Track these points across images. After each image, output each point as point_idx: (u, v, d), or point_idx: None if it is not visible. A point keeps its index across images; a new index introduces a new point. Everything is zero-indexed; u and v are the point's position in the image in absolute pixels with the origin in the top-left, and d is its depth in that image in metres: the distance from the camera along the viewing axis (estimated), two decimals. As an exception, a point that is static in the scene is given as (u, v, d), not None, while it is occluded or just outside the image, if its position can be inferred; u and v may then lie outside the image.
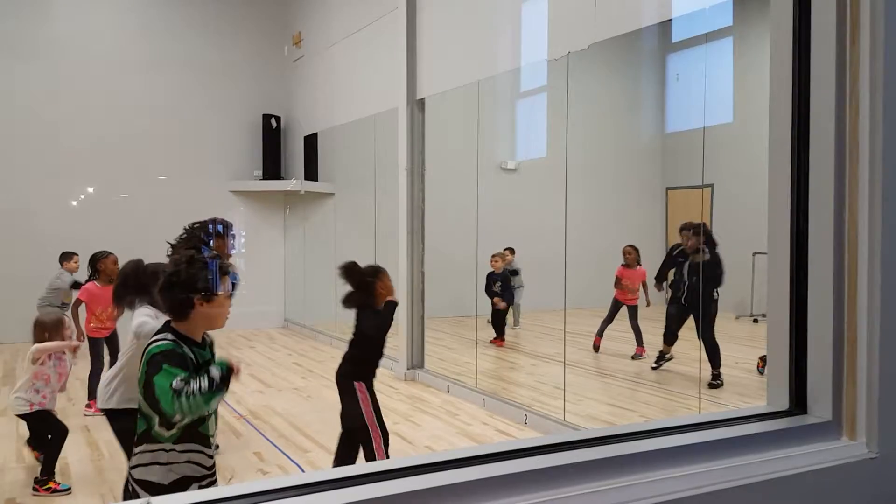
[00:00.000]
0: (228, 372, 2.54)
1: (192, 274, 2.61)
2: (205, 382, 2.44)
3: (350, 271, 4.21)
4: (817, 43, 1.23)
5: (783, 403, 1.24)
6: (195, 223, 5.04)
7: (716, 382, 6.89)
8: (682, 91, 10.96)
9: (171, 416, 2.46)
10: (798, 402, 1.22)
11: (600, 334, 8.47)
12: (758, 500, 1.08)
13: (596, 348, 8.50)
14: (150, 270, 3.64)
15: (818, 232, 1.20)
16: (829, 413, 1.19)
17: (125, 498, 2.64)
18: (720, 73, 9.36)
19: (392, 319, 4.29)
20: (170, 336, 2.58)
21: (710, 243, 6.74)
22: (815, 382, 1.21)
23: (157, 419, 2.56)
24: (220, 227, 5.04)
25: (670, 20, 5.57)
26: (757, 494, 1.07)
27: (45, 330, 4.75)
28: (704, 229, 6.78)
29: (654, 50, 11.40)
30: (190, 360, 2.57)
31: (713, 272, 6.59)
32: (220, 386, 2.49)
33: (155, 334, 2.63)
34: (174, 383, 2.40)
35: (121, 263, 6.50)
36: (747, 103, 9.68)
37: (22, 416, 4.73)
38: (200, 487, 2.66)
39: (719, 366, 6.86)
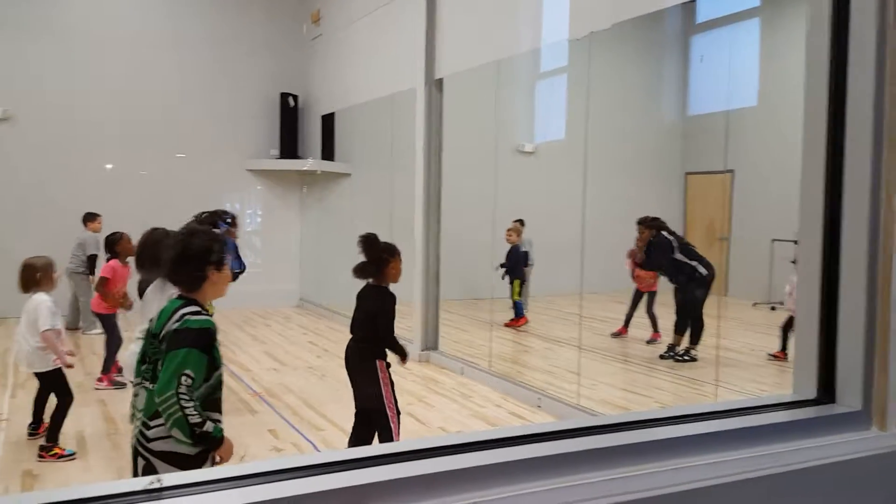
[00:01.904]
0: (213, 443, 2.55)
1: (201, 244, 2.65)
2: (197, 419, 2.44)
3: (369, 243, 4.24)
4: (856, 22, 1.18)
5: (811, 392, 1.20)
6: (203, 213, 5.49)
7: (682, 357, 7.23)
8: (706, 73, 10.79)
9: (158, 388, 2.44)
10: (826, 390, 1.18)
11: (626, 324, 8.41)
12: (784, 491, 1.05)
13: (615, 335, 8.43)
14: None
15: (852, 216, 1.15)
16: (858, 402, 1.15)
17: (135, 472, 2.63)
18: (746, 55, 9.20)
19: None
20: (202, 310, 2.61)
21: (661, 231, 7.46)
22: (845, 371, 1.17)
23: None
24: (228, 219, 5.57)
25: (695, 0, 5.47)
26: (783, 484, 1.04)
27: (36, 271, 4.69)
28: (656, 222, 7.52)
29: (678, 30, 11.22)
30: (211, 336, 2.60)
31: (661, 256, 7.38)
32: (197, 439, 2.47)
33: (176, 309, 2.60)
34: (183, 380, 2.42)
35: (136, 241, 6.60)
36: (773, 86, 9.51)
37: (40, 374, 4.76)
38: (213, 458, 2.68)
39: (697, 342, 7.26)
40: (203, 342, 2.53)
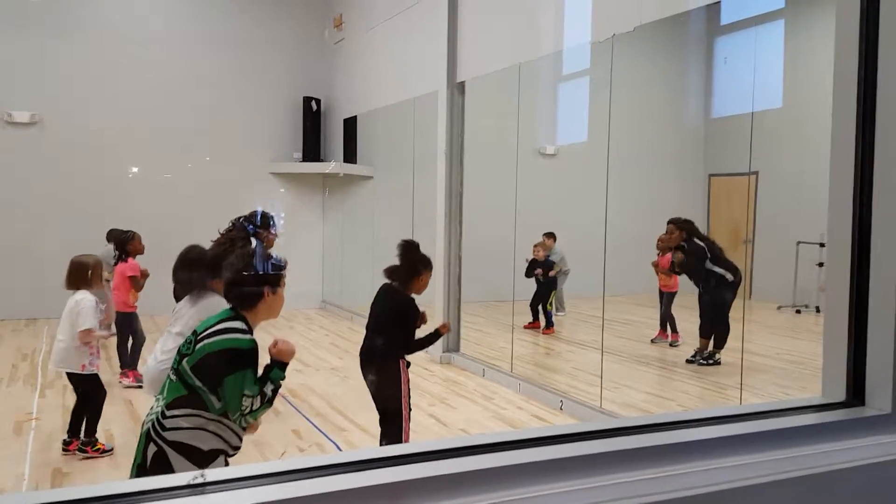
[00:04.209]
0: (280, 383, 2.78)
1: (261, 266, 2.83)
2: (258, 402, 2.66)
3: (409, 249, 4.28)
4: (887, 19, 1.18)
5: (840, 394, 1.19)
6: (240, 217, 5.39)
7: (707, 361, 7.17)
8: (730, 75, 10.69)
9: (231, 414, 2.64)
10: (856, 393, 1.18)
11: (662, 327, 8.32)
12: (811, 494, 1.04)
13: (655, 340, 8.34)
14: (209, 256, 3.71)
15: (883, 217, 1.15)
16: (888, 405, 1.14)
17: (144, 456, 2.65)
18: (771, 57, 9.10)
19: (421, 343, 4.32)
20: (246, 328, 2.72)
21: (693, 236, 7.28)
22: (875, 373, 1.16)
23: (208, 391, 2.64)
24: (269, 220, 5.35)
25: (719, 2, 5.44)
26: (810, 487, 1.04)
27: (88, 269, 4.67)
28: (689, 226, 7.33)
29: (702, 33, 11.13)
30: (257, 354, 2.75)
31: (693, 263, 7.19)
32: (273, 398, 2.73)
33: (222, 319, 2.73)
34: (244, 400, 2.61)
35: (150, 240, 6.70)
36: (798, 87, 9.40)
37: (71, 375, 4.78)
38: (226, 462, 2.75)
39: (721, 346, 7.16)
40: (249, 361, 2.68)
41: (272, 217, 5.18)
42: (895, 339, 1.13)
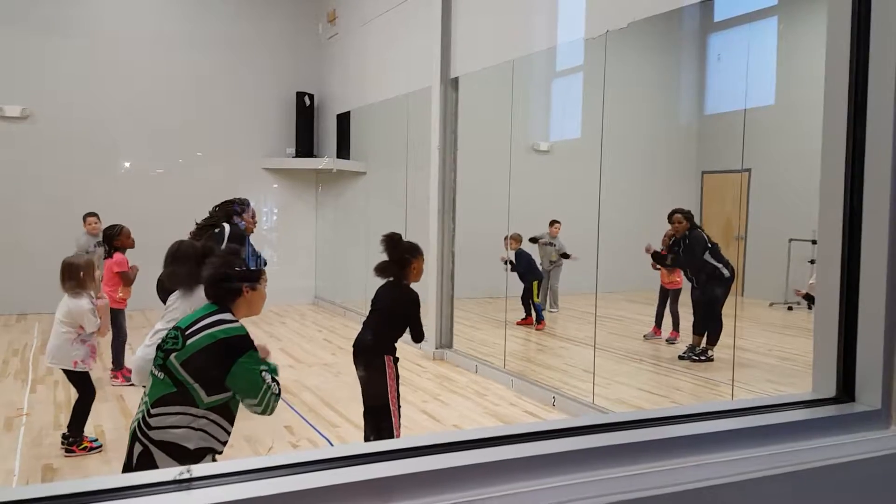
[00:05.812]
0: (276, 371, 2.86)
1: (240, 264, 2.88)
2: (277, 387, 2.75)
3: (393, 242, 4.26)
4: (878, 17, 1.18)
5: (830, 390, 1.19)
6: (217, 206, 5.54)
7: (699, 357, 7.18)
8: (723, 72, 10.71)
9: (252, 399, 2.68)
10: (846, 389, 1.18)
11: (657, 324, 8.30)
12: (801, 489, 1.05)
13: (649, 336, 8.34)
14: (199, 249, 3.71)
15: (873, 214, 1.15)
16: (878, 401, 1.15)
17: (130, 458, 2.65)
18: (763, 54, 9.13)
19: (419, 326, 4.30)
20: (234, 318, 2.78)
21: (693, 228, 7.31)
22: (865, 369, 1.16)
23: (198, 386, 2.62)
24: (237, 207, 5.58)
25: (713, -1, 5.44)
26: (801, 483, 1.04)
27: (80, 270, 4.64)
28: (692, 217, 7.37)
29: (695, 29, 11.15)
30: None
31: (691, 256, 7.20)
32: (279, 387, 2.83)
33: (210, 313, 2.76)
34: (264, 375, 2.70)
35: (141, 235, 6.66)
36: (790, 85, 9.43)
37: (66, 371, 4.77)
38: (213, 460, 2.74)
39: (714, 343, 7.16)
40: (250, 343, 2.75)
41: (247, 201, 5.62)
42: (885, 336, 1.13)
